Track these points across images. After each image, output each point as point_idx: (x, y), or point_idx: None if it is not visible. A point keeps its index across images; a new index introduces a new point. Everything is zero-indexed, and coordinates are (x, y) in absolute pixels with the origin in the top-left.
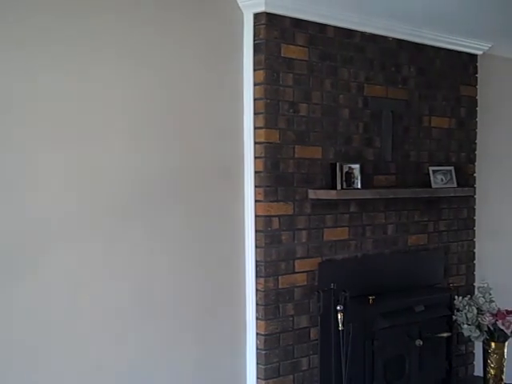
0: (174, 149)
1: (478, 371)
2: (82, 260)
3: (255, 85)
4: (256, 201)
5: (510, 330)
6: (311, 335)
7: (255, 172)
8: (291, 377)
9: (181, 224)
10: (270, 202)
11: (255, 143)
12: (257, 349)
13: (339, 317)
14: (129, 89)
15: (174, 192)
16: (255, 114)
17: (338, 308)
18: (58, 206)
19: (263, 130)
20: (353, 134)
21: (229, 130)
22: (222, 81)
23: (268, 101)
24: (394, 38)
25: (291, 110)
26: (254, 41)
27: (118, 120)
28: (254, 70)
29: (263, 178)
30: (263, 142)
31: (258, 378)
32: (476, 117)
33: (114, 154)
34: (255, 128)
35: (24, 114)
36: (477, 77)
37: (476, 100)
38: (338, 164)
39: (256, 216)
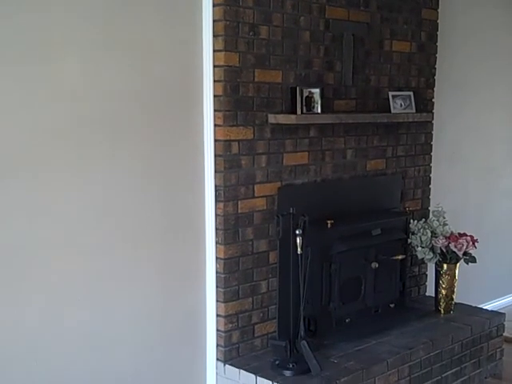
0: (133, 73)
1: (430, 291)
2: (40, 189)
3: (214, 5)
4: (215, 125)
5: (461, 252)
6: (270, 259)
7: (214, 96)
8: (250, 299)
9: (140, 149)
10: (230, 126)
11: (214, 66)
12: (216, 273)
13: (298, 241)
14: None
15: (133, 116)
16: (214, 36)
17: (297, 232)
18: (13, 137)
19: (222, 53)
20: (313, 57)
21: (187, 52)
22: (178, 1)
23: (227, 23)
24: None
25: (251, 33)
26: None
27: (75, 41)
28: None
29: (222, 102)
30: (222, 66)
31: (217, 301)
32: (436, 41)
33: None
34: (214, 51)
35: None
36: (438, 0)
37: (437, 24)
38: (298, 88)
39: (215, 140)
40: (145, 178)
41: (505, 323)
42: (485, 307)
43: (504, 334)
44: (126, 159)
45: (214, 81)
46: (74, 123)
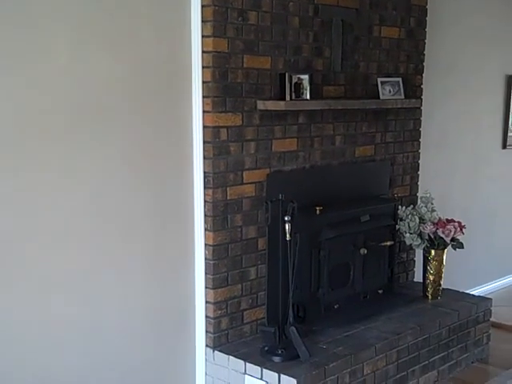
0: (121, 59)
1: (418, 277)
2: (27, 179)
3: None
4: (204, 111)
5: (449, 238)
6: (259, 245)
7: (203, 82)
8: (239, 286)
9: (127, 136)
10: (219, 112)
11: (203, 52)
12: (205, 259)
13: (287, 227)
14: None
15: (120, 102)
16: (203, 21)
17: (286, 218)
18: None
19: (211, 38)
20: (302, 43)
21: (176, 38)
22: None
23: (216, 8)
24: None
25: (240, 18)
26: None
27: (61, 28)
28: None
29: (211, 88)
30: (211, 52)
31: (206, 287)
32: (425, 27)
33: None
34: (203, 36)
35: None
36: None
37: (426, 9)
38: (287, 74)
39: (204, 127)
40: (133, 166)
41: (491, 308)
42: (472, 293)
43: (491, 319)
44: (113, 146)
45: (203, 67)
46: (61, 111)
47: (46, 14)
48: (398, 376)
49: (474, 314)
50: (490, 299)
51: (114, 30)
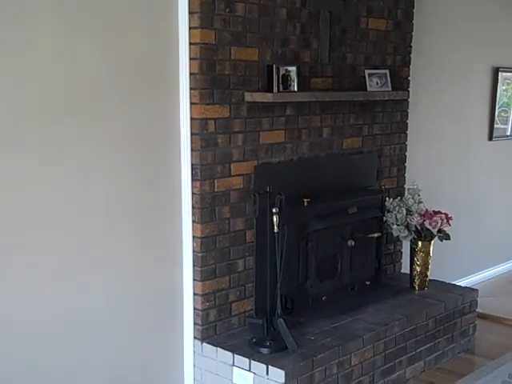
0: (107, 50)
1: (405, 269)
2: (12, 163)
3: None
4: (191, 103)
5: (436, 230)
6: (247, 237)
7: (190, 74)
8: (227, 278)
9: (114, 127)
10: (206, 104)
11: (190, 44)
12: (193, 251)
13: (274, 219)
14: None
15: (107, 93)
16: (190, 13)
17: (274, 210)
18: None
19: (198, 30)
20: (290, 35)
21: (163, 30)
22: None
23: None
24: None
25: (227, 10)
26: None
27: (48, 16)
28: None
29: (199, 80)
30: (198, 43)
31: (194, 279)
32: (412, 19)
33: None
34: (190, 28)
35: None
36: None
37: (413, 1)
38: (274, 66)
39: (191, 119)
40: (120, 157)
41: (478, 299)
42: (459, 284)
43: (477, 310)
44: (100, 137)
45: (190, 58)
46: (49, 99)
47: (34, 3)
48: (385, 367)
49: (460, 305)
50: (477, 290)
51: (102, 21)
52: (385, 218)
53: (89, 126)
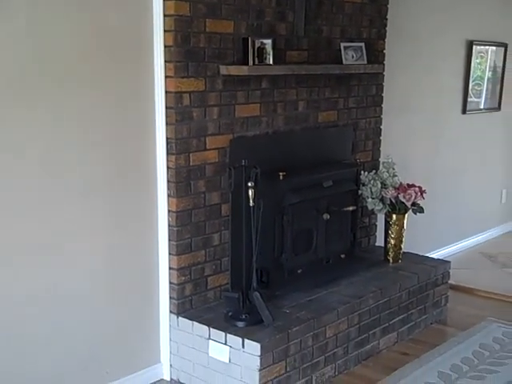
0: (80, 22)
1: (380, 242)
2: None
3: None
4: (166, 76)
5: (410, 203)
6: (222, 211)
7: (165, 46)
8: (203, 252)
9: (88, 101)
10: (181, 77)
11: (164, 16)
12: (169, 226)
13: (250, 193)
14: None
15: (80, 66)
16: None
17: (249, 184)
18: None
19: (173, 1)
20: (265, 7)
21: (137, 1)
22: None
23: None
24: None
25: None
26: None
27: None
28: None
29: (173, 52)
30: (173, 15)
31: (170, 253)
32: None
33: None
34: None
35: None
36: None
37: None
38: (249, 39)
39: (166, 92)
40: (94, 131)
41: (450, 271)
42: (432, 256)
43: (449, 282)
44: (73, 110)
45: (165, 31)
46: (22, 72)
47: None
48: (359, 338)
49: (432, 277)
50: (449, 262)
51: None
52: (360, 192)
53: (62, 100)
